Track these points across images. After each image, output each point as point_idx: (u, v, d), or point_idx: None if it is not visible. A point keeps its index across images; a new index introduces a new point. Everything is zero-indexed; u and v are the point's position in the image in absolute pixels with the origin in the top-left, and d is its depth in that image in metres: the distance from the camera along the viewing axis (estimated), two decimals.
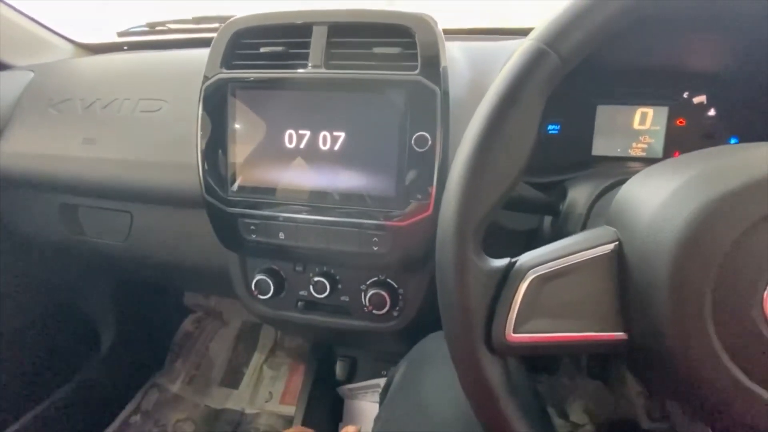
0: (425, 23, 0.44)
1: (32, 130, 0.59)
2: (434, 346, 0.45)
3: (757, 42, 0.40)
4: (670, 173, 0.26)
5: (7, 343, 0.77)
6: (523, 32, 0.64)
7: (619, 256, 0.25)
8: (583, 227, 0.37)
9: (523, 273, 0.25)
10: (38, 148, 0.57)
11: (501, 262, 0.26)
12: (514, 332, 0.24)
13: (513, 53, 0.25)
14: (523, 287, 0.24)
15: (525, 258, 0.25)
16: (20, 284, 0.78)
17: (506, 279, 0.25)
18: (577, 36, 0.23)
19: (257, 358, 1.14)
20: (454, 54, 0.50)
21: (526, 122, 0.24)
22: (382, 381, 0.79)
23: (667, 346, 0.22)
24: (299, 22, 0.46)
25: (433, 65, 0.43)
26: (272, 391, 1.09)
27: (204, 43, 0.74)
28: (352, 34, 0.45)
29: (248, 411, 1.05)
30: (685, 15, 0.36)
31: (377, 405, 0.76)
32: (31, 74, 0.63)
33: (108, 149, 0.54)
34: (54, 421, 0.83)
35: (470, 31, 0.65)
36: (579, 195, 0.39)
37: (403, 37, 0.44)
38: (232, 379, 1.09)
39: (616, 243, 0.25)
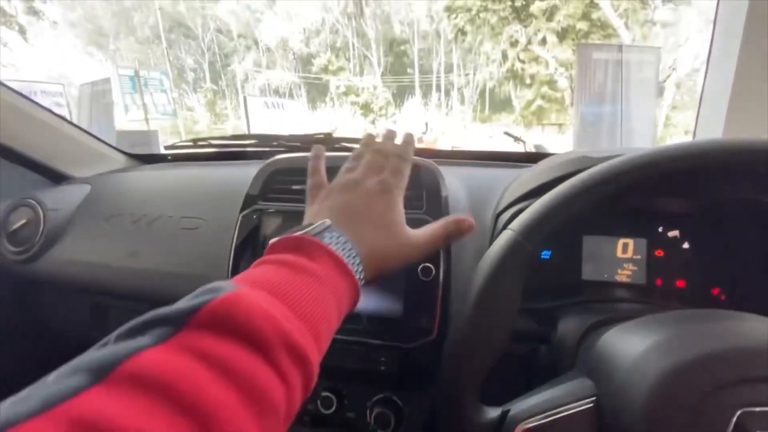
0: (429, 170, 0.52)
1: (85, 241, 0.66)
2: None
3: (718, 200, 0.47)
4: (643, 333, 0.30)
5: None
6: (516, 158, 0.74)
7: (597, 410, 0.28)
8: (573, 361, 0.41)
9: (513, 426, 0.28)
10: (86, 257, 0.64)
11: (495, 413, 0.29)
12: None
13: (497, 239, 0.32)
14: None
15: (516, 409, 0.29)
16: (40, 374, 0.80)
17: (500, 428, 0.29)
18: (545, 229, 0.30)
19: None
20: (454, 184, 0.58)
21: (510, 293, 0.30)
22: None
23: None
24: (328, 166, 0.55)
25: (436, 205, 0.51)
26: None
27: (239, 156, 0.85)
28: None
29: None
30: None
31: None
32: (89, 187, 0.73)
33: (148, 261, 0.61)
34: None
35: (470, 155, 0.75)
36: (568, 329, 0.43)
37: (411, 181, 0.52)
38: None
39: (594, 398, 0.29)
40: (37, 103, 0.75)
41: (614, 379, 0.28)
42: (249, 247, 0.55)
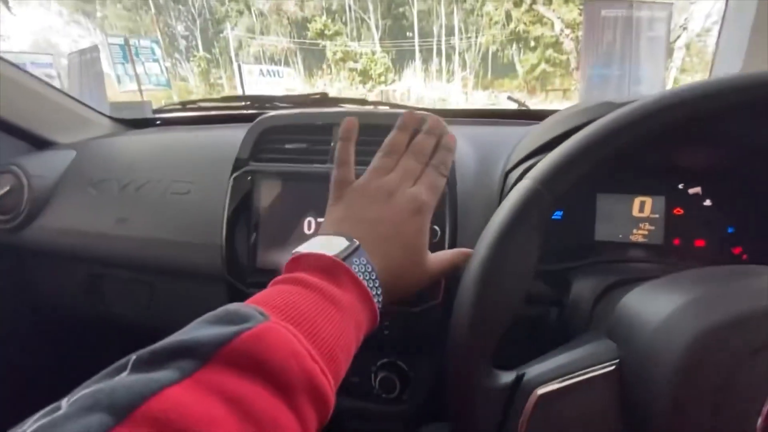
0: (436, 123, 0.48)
1: (72, 208, 0.63)
2: None
3: (746, 149, 0.43)
4: (670, 292, 0.27)
5: (11, 401, 0.77)
6: (525, 116, 0.70)
7: (619, 374, 0.26)
8: (588, 324, 0.38)
9: (529, 391, 0.26)
10: (75, 225, 0.62)
11: (509, 377, 0.27)
12: None
13: (513, 190, 0.28)
14: (531, 404, 0.26)
15: (531, 374, 0.27)
16: (37, 345, 0.79)
17: (514, 395, 0.26)
18: (570, 178, 0.27)
19: None
20: (461, 143, 0.54)
21: (528, 246, 0.27)
22: None
23: None
24: (321, 123, 0.51)
25: None
26: None
27: (231, 119, 0.81)
28: (369, 134, 0.50)
29: None
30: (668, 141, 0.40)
31: None
32: (74, 153, 0.69)
33: (138, 228, 0.58)
34: None
35: (477, 113, 0.70)
36: (582, 290, 0.41)
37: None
38: None
39: (616, 361, 0.27)
40: (16, 66, 0.70)
41: (640, 341, 0.26)
42: (243, 212, 0.52)
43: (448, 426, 0.47)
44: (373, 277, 0.30)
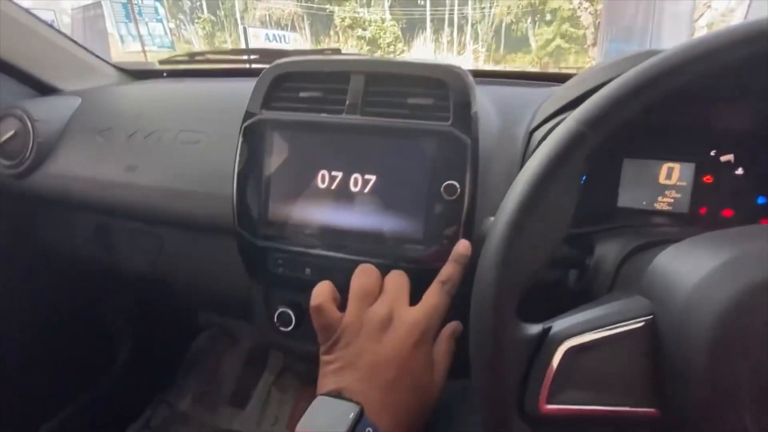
0: (458, 76, 0.46)
1: (78, 154, 0.62)
2: (451, 395, 0.45)
3: None
4: (708, 250, 0.26)
5: (27, 352, 0.79)
6: (550, 78, 0.66)
7: (653, 330, 0.25)
8: (611, 288, 0.37)
9: (557, 343, 0.25)
10: (83, 172, 0.60)
11: (535, 329, 0.26)
12: (548, 403, 0.24)
13: (554, 132, 0.26)
14: (558, 357, 0.25)
15: (559, 326, 0.26)
16: (45, 296, 0.80)
17: (540, 347, 0.25)
18: (615, 121, 0.25)
19: (266, 379, 1.14)
20: (484, 101, 0.52)
21: (565, 195, 0.25)
22: None
23: (699, 428, 0.23)
24: (338, 70, 0.48)
25: (464, 116, 0.45)
26: (279, 415, 1.09)
27: (239, 73, 0.78)
28: (388, 84, 0.47)
29: None
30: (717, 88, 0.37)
31: None
32: (79, 100, 0.67)
33: (147, 177, 0.57)
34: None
35: (500, 74, 0.67)
36: (607, 253, 0.40)
37: (437, 89, 0.46)
38: (240, 399, 1.09)
39: (651, 317, 0.25)
40: (21, 7, 0.67)
41: (678, 297, 0.24)
42: (254, 162, 0.50)
43: (461, 383, 0.47)
44: None
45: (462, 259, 0.39)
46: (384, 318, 0.33)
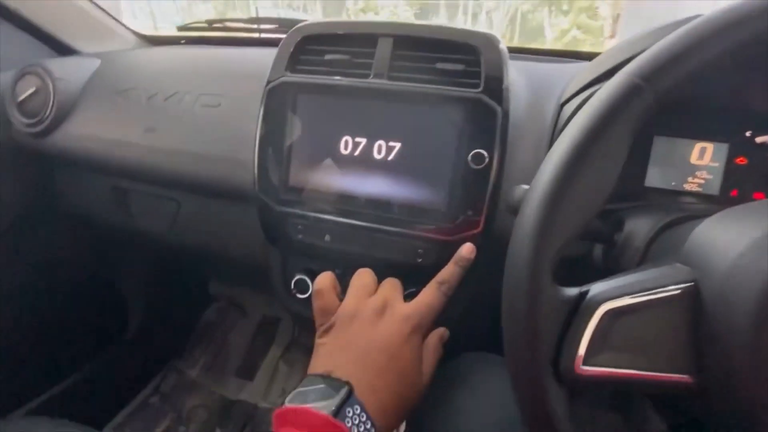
0: (491, 42, 0.44)
1: (98, 115, 0.61)
2: (468, 367, 0.45)
3: None
4: (753, 220, 0.25)
5: (41, 315, 0.80)
6: (582, 56, 0.64)
7: (694, 296, 0.24)
8: (641, 262, 0.36)
9: (595, 305, 0.24)
10: (102, 132, 0.60)
11: (572, 291, 0.25)
12: (584, 364, 0.24)
13: (606, 85, 0.25)
14: (595, 319, 0.24)
15: (597, 289, 0.25)
16: (63, 259, 0.81)
17: (577, 309, 0.25)
18: (676, 75, 0.23)
19: (274, 352, 1.15)
20: (513, 74, 0.50)
21: (614, 156, 0.24)
22: None
23: (740, 395, 0.22)
24: (366, 32, 0.47)
25: (495, 84, 0.43)
26: (285, 388, 1.10)
27: (259, 43, 0.76)
28: (416, 48, 0.46)
29: (261, 405, 1.06)
30: None
31: None
32: (98, 61, 0.67)
33: (167, 139, 0.57)
34: (79, 395, 0.85)
35: (529, 51, 0.65)
36: (637, 228, 0.39)
37: (468, 55, 0.44)
38: (248, 370, 1.11)
39: (692, 283, 0.25)
40: None
41: (721, 264, 0.24)
42: (276, 127, 0.49)
43: (480, 356, 0.47)
44: (368, 426, 0.28)
45: (463, 262, 0.40)
46: (378, 308, 0.34)
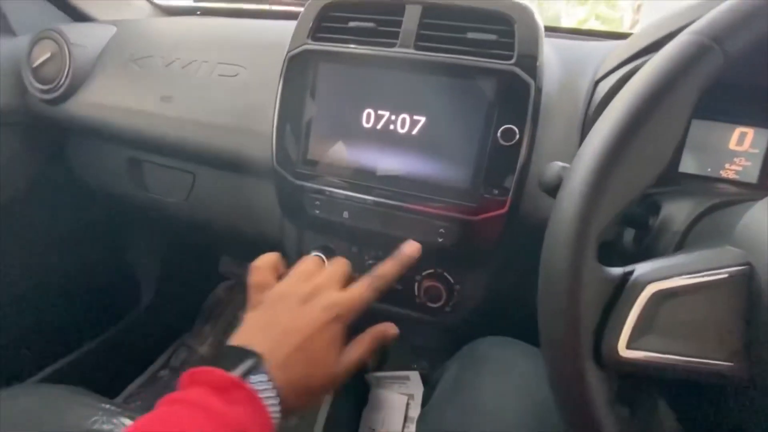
0: (526, 12, 0.42)
1: (113, 83, 0.60)
2: (491, 349, 0.44)
3: None
4: None
5: (56, 284, 0.80)
6: (615, 36, 0.61)
7: (748, 280, 0.23)
8: (679, 246, 0.34)
9: (641, 286, 0.23)
10: (117, 101, 0.59)
11: (616, 271, 0.24)
12: (627, 348, 0.22)
13: (669, 45, 0.23)
14: (642, 301, 0.23)
15: (643, 269, 0.24)
16: (77, 229, 0.81)
17: (622, 289, 0.23)
18: (746, 37, 0.21)
19: None
20: (546, 50, 0.48)
21: (676, 121, 0.22)
22: (411, 374, 0.78)
23: None
24: None
25: (530, 57, 0.41)
26: None
27: (277, 15, 0.74)
28: (446, 17, 0.44)
29: None
30: None
31: (403, 397, 0.76)
32: (114, 29, 0.65)
33: (183, 108, 0.55)
34: (91, 365, 0.86)
35: (559, 29, 0.62)
36: (676, 212, 0.37)
37: (501, 25, 0.42)
38: None
39: (746, 266, 0.23)
40: None
41: None
42: (296, 97, 0.47)
43: (499, 339, 0.46)
44: (273, 395, 0.30)
45: (405, 260, 0.39)
46: (307, 294, 0.35)
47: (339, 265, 0.39)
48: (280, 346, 0.32)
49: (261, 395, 0.29)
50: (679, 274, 0.23)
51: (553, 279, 0.24)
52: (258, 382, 0.29)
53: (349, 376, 0.35)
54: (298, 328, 0.33)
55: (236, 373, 0.29)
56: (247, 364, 0.29)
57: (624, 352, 0.22)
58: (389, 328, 0.39)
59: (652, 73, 0.22)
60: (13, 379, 0.71)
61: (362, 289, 0.36)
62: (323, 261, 0.41)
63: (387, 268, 0.38)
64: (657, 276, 0.23)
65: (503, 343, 0.43)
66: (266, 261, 0.39)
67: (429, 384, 0.48)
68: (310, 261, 0.40)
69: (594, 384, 0.23)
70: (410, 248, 0.40)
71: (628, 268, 0.24)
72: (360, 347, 0.36)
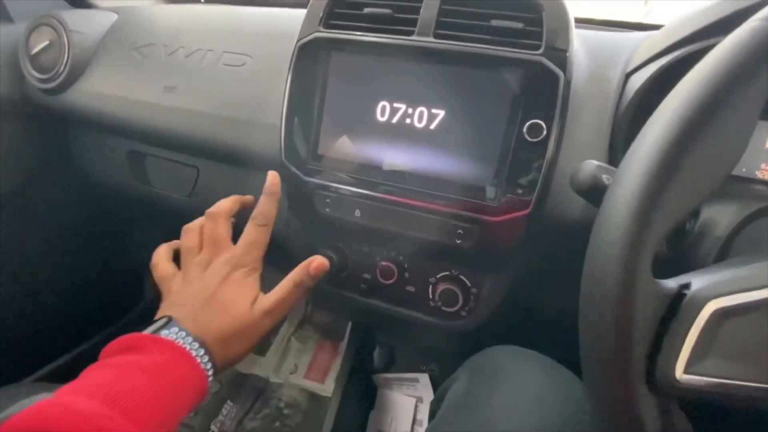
0: (559, 9, 0.39)
1: (114, 72, 0.57)
2: (505, 360, 0.41)
3: None
4: None
5: (55, 279, 0.78)
6: (645, 27, 0.58)
7: None
8: (722, 253, 0.32)
9: (701, 302, 0.20)
10: (118, 90, 0.56)
11: (670, 285, 0.21)
12: (686, 372, 0.20)
13: (733, 34, 0.20)
14: (702, 319, 0.20)
15: (701, 283, 0.21)
16: (79, 223, 0.79)
17: (678, 306, 0.21)
18: None
19: (286, 328, 1.13)
20: (573, 41, 0.45)
21: (748, 115, 0.20)
22: (419, 376, 0.76)
23: None
24: None
25: (558, 48, 0.38)
26: (297, 364, 1.09)
27: (286, 2, 0.71)
28: (468, 3, 0.41)
29: (273, 380, 1.05)
30: None
31: (412, 399, 0.74)
32: (115, 15, 0.62)
33: (187, 99, 0.53)
34: (90, 364, 0.85)
35: (586, 20, 0.59)
36: (718, 216, 0.34)
37: (528, 13, 0.39)
38: (260, 345, 1.10)
39: None
40: None
41: None
42: (306, 88, 0.45)
43: (512, 349, 0.43)
44: (190, 341, 0.32)
45: (273, 189, 0.41)
46: (202, 261, 0.38)
47: (210, 223, 0.40)
48: (189, 305, 0.34)
49: (179, 343, 0.31)
50: (743, 290, 0.21)
51: (601, 293, 0.21)
52: (173, 333, 0.31)
53: (273, 321, 0.37)
54: (203, 287, 0.35)
55: (147, 332, 0.31)
56: (158, 324, 0.32)
57: (681, 376, 0.20)
58: (311, 263, 0.39)
59: (723, 61, 0.19)
60: (12, 378, 0.69)
61: (249, 232, 0.39)
62: (200, 227, 0.41)
63: (261, 205, 0.40)
64: (718, 292, 0.21)
65: (518, 354, 0.40)
66: (159, 255, 0.41)
67: (437, 391, 0.46)
68: (187, 237, 0.41)
69: (647, 411, 0.20)
70: (272, 177, 0.41)
71: (682, 280, 0.22)
72: (278, 290, 0.37)
